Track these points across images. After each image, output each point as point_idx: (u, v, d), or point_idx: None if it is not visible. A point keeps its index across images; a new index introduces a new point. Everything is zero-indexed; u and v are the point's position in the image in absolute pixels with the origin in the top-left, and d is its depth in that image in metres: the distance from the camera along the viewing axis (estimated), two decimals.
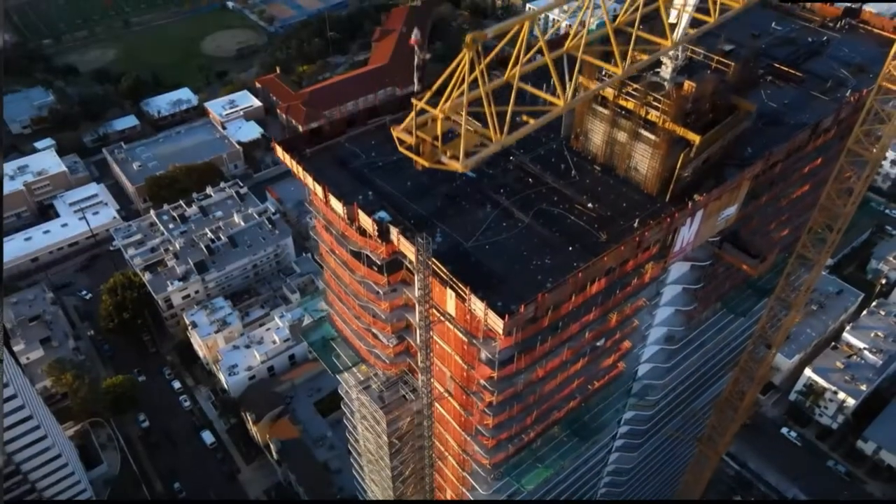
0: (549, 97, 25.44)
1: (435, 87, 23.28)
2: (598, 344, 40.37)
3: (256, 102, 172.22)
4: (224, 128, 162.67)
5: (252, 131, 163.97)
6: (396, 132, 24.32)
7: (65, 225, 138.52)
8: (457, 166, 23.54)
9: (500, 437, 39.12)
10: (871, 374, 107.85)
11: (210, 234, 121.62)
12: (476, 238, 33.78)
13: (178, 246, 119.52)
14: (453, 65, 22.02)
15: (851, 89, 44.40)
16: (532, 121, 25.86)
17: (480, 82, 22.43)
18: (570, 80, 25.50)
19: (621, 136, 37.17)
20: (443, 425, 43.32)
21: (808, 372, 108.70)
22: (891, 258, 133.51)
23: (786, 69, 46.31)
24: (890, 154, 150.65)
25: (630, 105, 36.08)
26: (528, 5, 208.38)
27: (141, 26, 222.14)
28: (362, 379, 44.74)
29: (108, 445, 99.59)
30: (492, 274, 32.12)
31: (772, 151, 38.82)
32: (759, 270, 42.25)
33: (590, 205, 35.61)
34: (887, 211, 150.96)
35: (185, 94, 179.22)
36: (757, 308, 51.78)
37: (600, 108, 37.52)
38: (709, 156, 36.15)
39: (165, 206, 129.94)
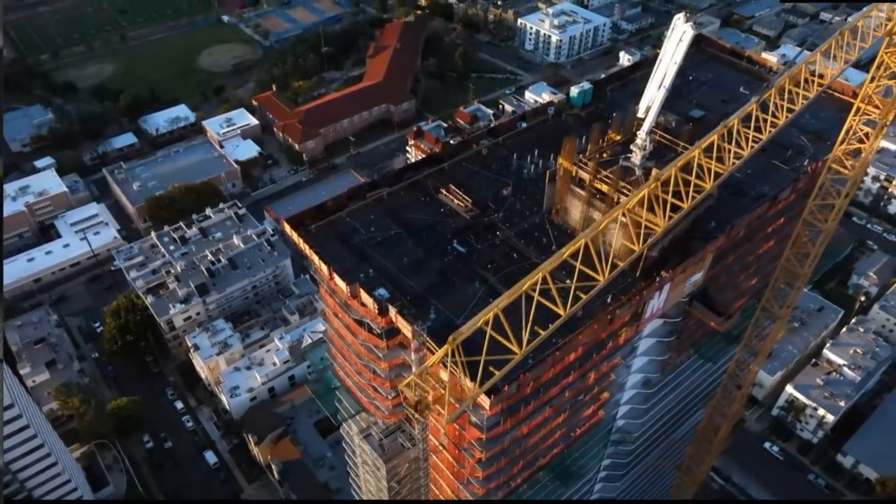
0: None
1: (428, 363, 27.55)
2: (579, 398, 44.22)
3: (253, 121, 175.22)
4: (222, 146, 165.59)
5: (249, 150, 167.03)
6: (401, 387, 28.39)
7: (66, 245, 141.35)
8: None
9: (490, 487, 42.90)
10: (849, 391, 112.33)
11: (210, 257, 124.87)
12: (466, 315, 37.48)
13: (179, 268, 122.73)
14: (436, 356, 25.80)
15: (809, 158, 48.30)
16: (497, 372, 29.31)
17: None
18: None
19: (597, 215, 40.94)
20: (437, 472, 47.02)
21: (789, 388, 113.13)
22: (871, 273, 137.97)
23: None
24: (871, 170, 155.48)
25: (604, 188, 39.88)
26: (519, 20, 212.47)
27: (138, 41, 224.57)
28: (364, 426, 48.46)
29: (114, 467, 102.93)
30: (477, 350, 35.75)
31: (733, 225, 42.69)
32: (725, 327, 46.18)
33: (567, 281, 39.36)
34: (869, 226, 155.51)
35: (182, 112, 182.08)
36: (728, 353, 55.77)
37: (578, 189, 41.30)
38: (676, 233, 39.98)
39: (166, 228, 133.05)
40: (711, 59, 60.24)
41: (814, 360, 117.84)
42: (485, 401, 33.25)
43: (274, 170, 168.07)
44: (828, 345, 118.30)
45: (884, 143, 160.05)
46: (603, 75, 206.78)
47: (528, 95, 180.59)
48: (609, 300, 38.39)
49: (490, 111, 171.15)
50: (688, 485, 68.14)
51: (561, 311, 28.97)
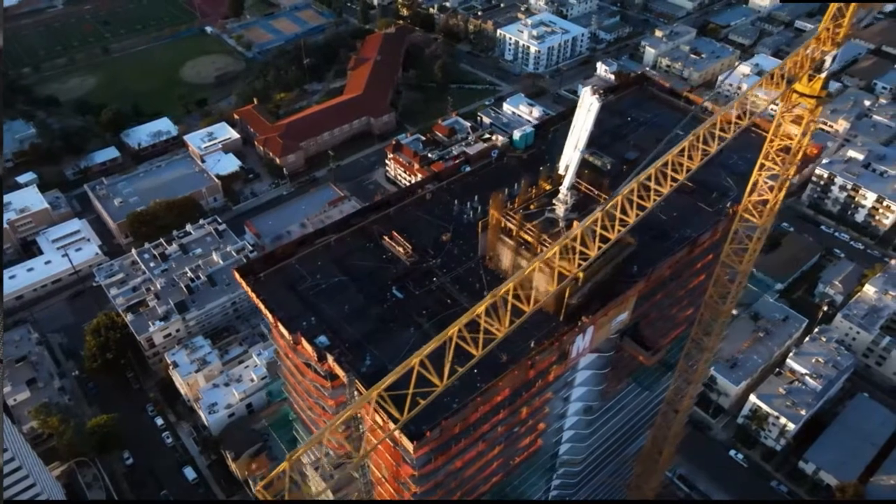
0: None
1: None
2: (514, 431, 47.22)
3: (234, 134, 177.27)
4: (203, 161, 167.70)
5: (231, 164, 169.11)
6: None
7: (48, 262, 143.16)
8: None
9: None
10: (810, 399, 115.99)
11: (190, 273, 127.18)
12: (398, 360, 40.26)
13: (158, 285, 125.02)
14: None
15: (732, 201, 51.43)
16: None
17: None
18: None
19: (524, 263, 43.87)
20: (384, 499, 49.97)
21: (752, 398, 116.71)
22: (836, 282, 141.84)
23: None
24: (838, 180, 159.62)
25: (529, 239, 42.84)
26: (498, 31, 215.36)
27: (121, 53, 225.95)
28: (315, 458, 51.31)
29: (94, 484, 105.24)
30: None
31: (654, 269, 45.78)
32: (652, 361, 49.29)
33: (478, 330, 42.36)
34: (837, 234, 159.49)
35: (164, 125, 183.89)
36: (664, 380, 58.95)
37: (507, 239, 44.25)
38: (597, 280, 43.03)
39: (146, 244, 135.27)
40: (651, 98, 63.34)
41: (777, 369, 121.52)
42: (409, 445, 36.14)
43: (255, 184, 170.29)
44: (791, 354, 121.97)
45: (850, 153, 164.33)
46: (580, 86, 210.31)
47: (506, 107, 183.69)
48: (533, 344, 41.36)
49: (468, 123, 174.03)
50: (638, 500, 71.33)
51: (475, 352, 32.02)
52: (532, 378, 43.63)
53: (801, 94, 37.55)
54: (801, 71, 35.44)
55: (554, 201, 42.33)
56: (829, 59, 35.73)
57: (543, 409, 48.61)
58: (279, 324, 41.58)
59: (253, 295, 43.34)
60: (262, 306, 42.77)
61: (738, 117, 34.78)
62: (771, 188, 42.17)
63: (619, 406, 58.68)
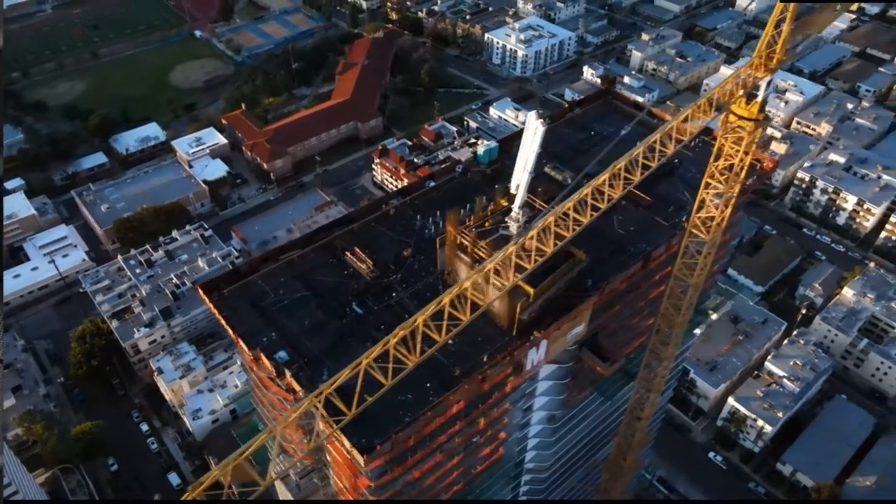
0: None
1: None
2: (473, 440, 48.49)
3: (222, 140, 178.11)
4: (191, 166, 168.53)
5: (218, 169, 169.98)
6: None
7: (35, 269, 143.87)
8: None
9: None
10: (788, 402, 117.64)
11: (175, 280, 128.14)
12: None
13: (144, 292, 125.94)
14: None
15: (688, 215, 52.71)
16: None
17: None
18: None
19: (479, 278, 45.14)
20: None
21: (731, 400, 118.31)
22: (816, 285, 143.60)
23: (639, 193, 54.56)
24: (819, 183, 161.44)
25: (483, 255, 44.09)
26: (486, 35, 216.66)
27: (110, 57, 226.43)
28: (283, 468, 52.44)
29: (79, 491, 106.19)
30: (364, 411, 39.89)
31: (608, 283, 47.11)
32: (609, 372, 50.64)
33: (450, 341, 43.59)
34: (818, 237, 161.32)
35: (153, 130, 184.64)
36: (626, 389, 60.32)
37: (462, 255, 45.50)
38: (549, 296, 44.33)
39: (132, 251, 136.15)
40: (616, 111, 64.67)
41: (756, 372, 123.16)
42: (359, 459, 37.39)
43: (242, 189, 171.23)
44: (769, 357, 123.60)
45: (832, 156, 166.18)
46: (567, 89, 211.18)
47: (493, 111, 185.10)
48: (485, 358, 42.65)
49: (454, 128, 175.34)
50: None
51: (413, 360, 33.39)
52: (487, 390, 44.88)
53: (740, 117, 38.89)
54: (731, 99, 36.79)
55: (506, 219, 43.62)
56: (763, 84, 37.10)
57: (503, 420, 49.88)
58: (239, 340, 42.76)
59: (215, 311, 44.51)
60: (223, 322, 43.93)
61: (663, 144, 36.04)
62: (717, 205, 43.51)
63: (582, 414, 60.01)
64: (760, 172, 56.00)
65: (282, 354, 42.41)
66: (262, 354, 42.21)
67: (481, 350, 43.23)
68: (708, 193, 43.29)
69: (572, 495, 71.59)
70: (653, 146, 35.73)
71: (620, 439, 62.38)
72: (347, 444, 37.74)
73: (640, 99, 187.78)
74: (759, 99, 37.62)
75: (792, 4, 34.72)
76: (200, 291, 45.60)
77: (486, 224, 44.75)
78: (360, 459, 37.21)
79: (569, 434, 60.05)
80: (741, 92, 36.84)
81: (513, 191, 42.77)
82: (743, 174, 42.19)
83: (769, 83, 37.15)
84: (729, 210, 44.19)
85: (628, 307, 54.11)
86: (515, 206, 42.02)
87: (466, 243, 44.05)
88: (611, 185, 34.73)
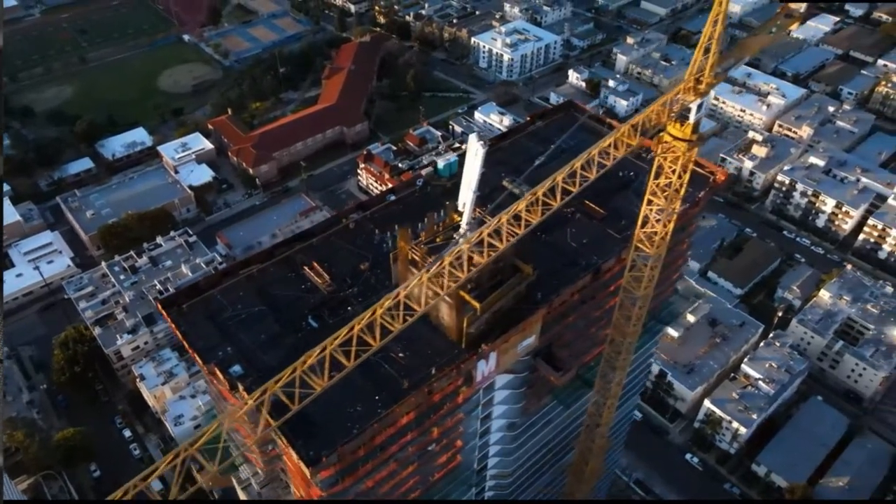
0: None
1: None
2: (428, 449, 49.82)
3: (208, 145, 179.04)
4: (176, 172, 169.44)
5: (204, 174, 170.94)
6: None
7: (20, 275, 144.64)
8: None
9: None
10: (763, 404, 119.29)
11: (159, 286, 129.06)
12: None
13: (127, 299, 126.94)
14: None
15: None
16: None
17: None
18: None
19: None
20: None
21: (707, 403, 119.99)
22: (795, 287, 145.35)
23: (592, 206, 56.01)
24: (799, 186, 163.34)
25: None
26: (473, 39, 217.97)
27: (98, 62, 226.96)
28: (245, 477, 53.80)
29: (61, 497, 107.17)
30: (313, 422, 41.25)
31: (557, 295, 48.49)
32: (562, 382, 52.02)
33: (401, 354, 45.00)
34: (798, 239, 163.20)
35: (139, 136, 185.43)
36: (584, 397, 61.73)
37: (414, 270, 46.76)
38: (497, 309, 45.69)
39: (117, 257, 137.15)
40: (575, 122, 65.96)
41: (732, 374, 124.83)
42: (306, 471, 38.70)
43: (228, 194, 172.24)
44: (746, 359, 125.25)
45: (811, 159, 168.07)
46: (552, 93, 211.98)
47: (478, 116, 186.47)
48: (434, 371, 43.98)
49: (438, 133, 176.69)
50: None
51: (348, 364, 34.81)
52: (438, 401, 46.21)
53: (675, 138, 40.30)
54: (658, 123, 38.18)
55: (455, 235, 44.92)
56: (694, 107, 38.49)
57: (458, 429, 51.18)
58: (196, 355, 44.01)
59: (173, 326, 45.72)
60: (181, 337, 45.14)
61: (584, 169, 37.40)
62: (659, 221, 44.92)
63: (543, 421, 61.38)
64: (713, 185, 57.49)
65: (236, 368, 43.64)
66: (216, 368, 43.44)
67: (431, 363, 44.54)
68: (651, 210, 44.69)
69: (542, 496, 72.99)
70: (574, 172, 37.09)
71: (581, 446, 63.79)
72: (295, 456, 39.03)
73: (624, 102, 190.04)
74: (691, 121, 39.02)
75: (718, 30, 36.18)
76: (160, 307, 46.81)
77: (437, 240, 46.01)
78: (307, 471, 38.48)
79: (530, 441, 61.42)
80: (670, 116, 38.24)
81: (460, 208, 44.10)
82: (682, 191, 43.58)
83: (701, 105, 38.54)
84: (671, 225, 45.59)
85: (583, 318, 55.48)
86: (463, 223, 43.32)
87: (417, 258, 45.34)
88: (528, 212, 35.98)
